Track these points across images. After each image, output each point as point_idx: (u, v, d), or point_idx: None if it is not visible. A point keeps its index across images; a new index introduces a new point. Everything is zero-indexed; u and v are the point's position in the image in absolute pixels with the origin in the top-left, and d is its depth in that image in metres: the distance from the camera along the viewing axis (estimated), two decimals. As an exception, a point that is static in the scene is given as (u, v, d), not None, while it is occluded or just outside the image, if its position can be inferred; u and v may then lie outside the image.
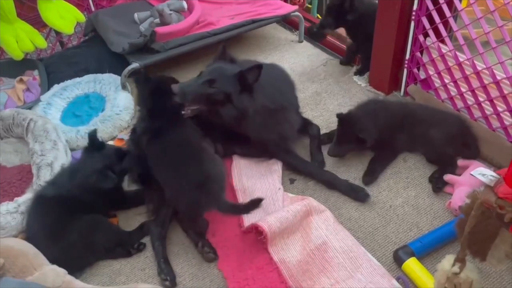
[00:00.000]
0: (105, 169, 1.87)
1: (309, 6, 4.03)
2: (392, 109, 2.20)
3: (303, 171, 2.18)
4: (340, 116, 2.13)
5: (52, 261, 1.68)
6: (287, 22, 3.40)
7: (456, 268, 1.39)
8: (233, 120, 2.00)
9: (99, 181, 1.85)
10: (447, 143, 2.05)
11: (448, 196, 1.99)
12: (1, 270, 1.50)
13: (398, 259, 1.76)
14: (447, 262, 1.43)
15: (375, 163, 2.15)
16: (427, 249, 1.77)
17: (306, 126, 2.32)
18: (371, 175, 2.12)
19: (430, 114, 2.17)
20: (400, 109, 2.21)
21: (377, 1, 2.53)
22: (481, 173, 1.21)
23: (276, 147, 2.19)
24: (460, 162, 2.02)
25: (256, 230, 1.85)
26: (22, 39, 2.82)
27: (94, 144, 1.95)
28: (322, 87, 2.77)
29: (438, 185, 2.03)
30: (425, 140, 2.11)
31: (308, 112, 2.56)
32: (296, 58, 3.06)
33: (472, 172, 1.29)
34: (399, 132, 2.16)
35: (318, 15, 4.06)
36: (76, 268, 1.78)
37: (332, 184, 2.10)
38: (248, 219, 1.94)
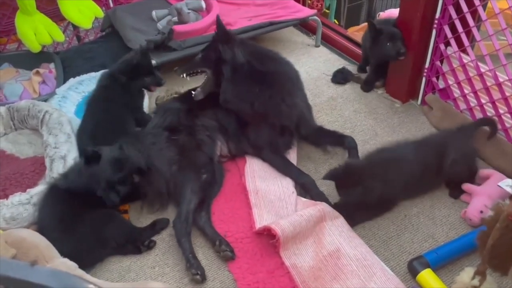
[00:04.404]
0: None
1: (327, 11, 4.01)
2: (407, 160, 1.96)
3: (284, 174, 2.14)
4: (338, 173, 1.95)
5: (64, 254, 1.67)
6: (304, 26, 3.39)
7: (475, 281, 1.37)
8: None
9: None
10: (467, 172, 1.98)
11: (464, 206, 1.95)
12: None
13: (412, 270, 1.73)
14: (466, 275, 1.41)
15: None
16: (442, 260, 1.73)
17: (341, 139, 2.28)
18: None
19: (449, 147, 1.99)
20: (416, 158, 1.97)
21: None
22: (509, 184, 1.19)
23: (270, 147, 2.18)
24: (481, 172, 1.96)
25: (268, 233, 1.83)
26: (40, 32, 2.83)
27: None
28: (338, 92, 2.74)
29: (456, 191, 2.00)
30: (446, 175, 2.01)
31: (323, 117, 2.54)
32: (313, 63, 3.04)
33: (500, 183, 1.27)
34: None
35: (336, 20, 4.05)
36: (87, 262, 1.76)
37: (307, 189, 2.07)
38: (260, 221, 1.92)
